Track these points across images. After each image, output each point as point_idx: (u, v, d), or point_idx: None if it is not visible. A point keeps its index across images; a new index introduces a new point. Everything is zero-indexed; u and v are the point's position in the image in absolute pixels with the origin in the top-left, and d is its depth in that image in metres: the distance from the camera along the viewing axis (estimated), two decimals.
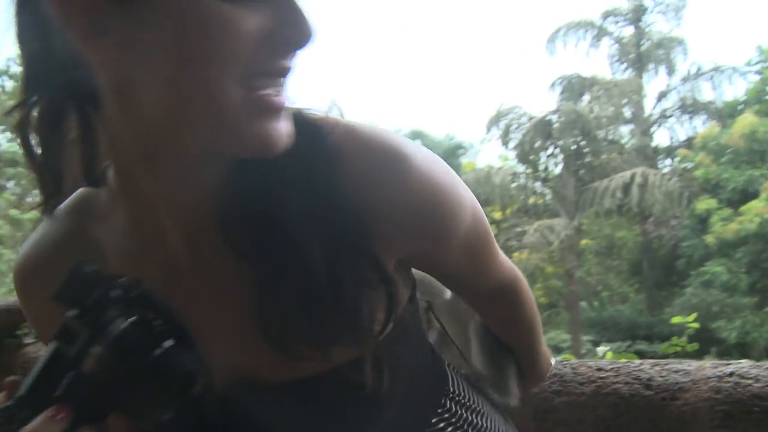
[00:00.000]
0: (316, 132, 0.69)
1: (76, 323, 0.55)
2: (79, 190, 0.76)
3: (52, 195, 0.71)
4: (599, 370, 1.55)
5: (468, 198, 0.77)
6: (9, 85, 18.37)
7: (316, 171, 0.68)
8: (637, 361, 1.59)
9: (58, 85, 0.64)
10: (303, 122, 0.68)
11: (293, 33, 0.61)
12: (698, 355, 2.52)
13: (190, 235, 0.69)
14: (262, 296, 0.68)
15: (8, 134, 18.62)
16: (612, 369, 1.55)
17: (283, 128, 0.62)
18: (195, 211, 0.68)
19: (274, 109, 0.61)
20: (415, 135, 26.24)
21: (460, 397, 0.90)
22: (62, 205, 0.75)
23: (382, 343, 0.72)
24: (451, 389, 0.90)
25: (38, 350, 2.66)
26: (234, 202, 0.68)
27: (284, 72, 0.63)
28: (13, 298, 2.95)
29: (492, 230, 0.86)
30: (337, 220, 0.68)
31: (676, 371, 1.50)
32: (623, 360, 1.64)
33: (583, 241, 21.66)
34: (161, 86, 0.59)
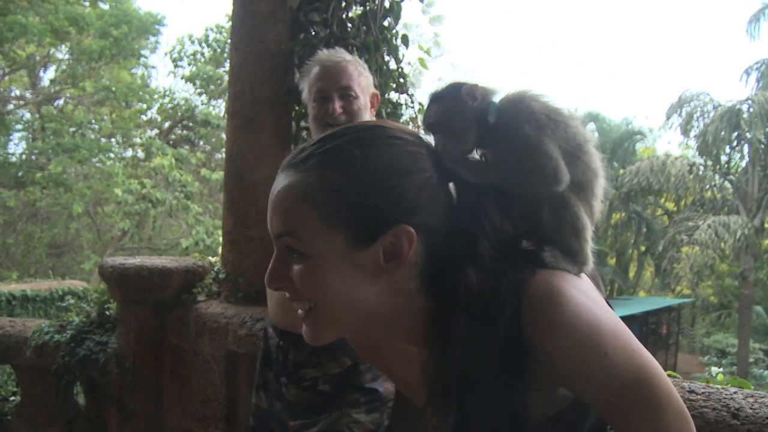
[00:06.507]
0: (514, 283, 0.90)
1: None
2: None
3: None
4: (691, 392, 1.59)
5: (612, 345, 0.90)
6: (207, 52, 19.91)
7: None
8: (732, 390, 1.60)
9: None
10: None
11: None
12: None
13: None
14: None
15: (204, 97, 20.28)
16: (703, 393, 1.58)
17: None
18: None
19: None
20: (591, 117, 25.15)
21: None
22: None
23: None
24: None
25: (208, 307, 2.93)
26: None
27: None
28: (192, 259, 3.27)
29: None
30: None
31: None
32: (718, 386, 1.64)
33: (766, 242, 20.02)
34: None
